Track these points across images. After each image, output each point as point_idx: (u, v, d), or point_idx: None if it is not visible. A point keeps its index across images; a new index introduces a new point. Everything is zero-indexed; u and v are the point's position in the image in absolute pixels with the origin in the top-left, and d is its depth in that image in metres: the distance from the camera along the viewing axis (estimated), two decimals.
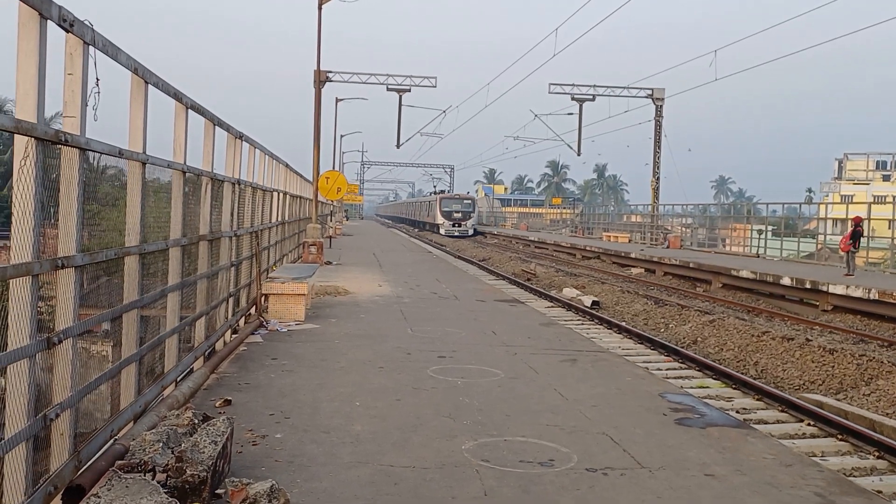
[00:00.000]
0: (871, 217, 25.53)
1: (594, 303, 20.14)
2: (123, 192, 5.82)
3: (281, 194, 17.41)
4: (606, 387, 8.28)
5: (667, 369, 12.33)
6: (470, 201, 64.95)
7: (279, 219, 17.15)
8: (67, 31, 4.41)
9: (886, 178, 67.67)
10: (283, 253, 19.28)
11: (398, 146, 44.45)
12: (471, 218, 62.84)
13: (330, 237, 34.18)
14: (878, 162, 68.40)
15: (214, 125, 8.54)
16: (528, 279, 26.79)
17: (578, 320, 17.58)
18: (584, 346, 11.12)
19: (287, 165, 19.32)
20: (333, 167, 50.52)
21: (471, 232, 61.64)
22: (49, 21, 4.09)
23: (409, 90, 40.59)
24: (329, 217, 45.49)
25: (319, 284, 16.29)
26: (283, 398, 7.32)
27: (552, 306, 19.82)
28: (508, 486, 5.17)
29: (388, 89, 40.42)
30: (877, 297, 17.35)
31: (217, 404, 6.96)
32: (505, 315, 13.96)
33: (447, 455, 5.77)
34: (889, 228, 27.91)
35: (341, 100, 51.04)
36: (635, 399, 7.79)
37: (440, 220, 62.15)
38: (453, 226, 61.36)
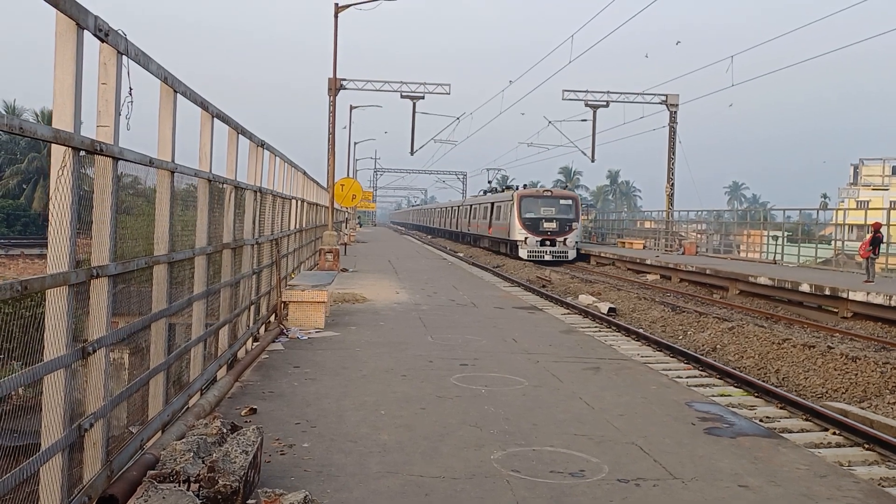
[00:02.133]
0: (889, 223, 25.30)
1: (611, 310, 20.05)
2: (139, 201, 5.81)
3: (299, 202, 17.43)
4: (632, 395, 8.21)
5: (687, 377, 12.24)
6: (571, 201, 39.03)
7: (297, 226, 17.17)
8: (102, 41, 4.40)
9: None
10: (301, 260, 19.29)
11: (412, 153, 44.46)
12: (572, 230, 37.73)
13: (344, 244, 34.21)
14: (894, 167, 67.81)
15: (238, 134, 8.55)
16: (544, 286, 26.73)
17: (596, 327, 17.50)
18: (606, 353, 11.04)
19: (304, 173, 19.35)
20: (347, 174, 50.54)
21: (572, 255, 37.72)
22: (85, 31, 4.09)
23: (423, 97, 40.73)
24: (343, 224, 45.59)
25: (337, 292, 16.29)
26: (307, 407, 7.29)
27: (569, 313, 19.75)
28: (541, 497, 5.11)
29: (402, 96, 40.56)
30: None
31: (242, 413, 6.94)
32: (524, 322, 13.90)
33: (476, 465, 5.72)
34: None
35: (355, 107, 51.18)
36: (662, 408, 7.72)
37: (520, 233, 37.35)
38: (542, 243, 36.99)
